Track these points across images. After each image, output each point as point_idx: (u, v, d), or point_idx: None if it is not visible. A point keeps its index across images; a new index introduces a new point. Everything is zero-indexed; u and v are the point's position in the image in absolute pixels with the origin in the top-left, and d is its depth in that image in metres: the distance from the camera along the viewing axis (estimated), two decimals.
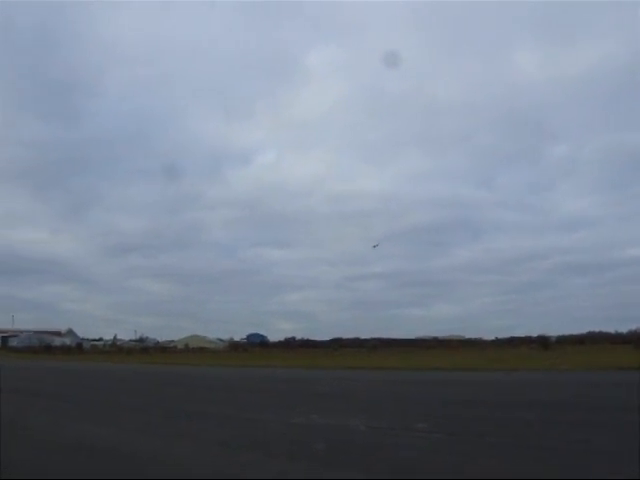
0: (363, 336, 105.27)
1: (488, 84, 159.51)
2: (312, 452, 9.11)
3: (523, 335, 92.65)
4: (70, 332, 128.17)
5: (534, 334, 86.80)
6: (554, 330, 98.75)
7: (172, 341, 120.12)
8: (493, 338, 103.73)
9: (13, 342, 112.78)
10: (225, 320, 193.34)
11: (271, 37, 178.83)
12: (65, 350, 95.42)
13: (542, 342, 71.24)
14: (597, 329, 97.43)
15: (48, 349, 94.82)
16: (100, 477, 7.53)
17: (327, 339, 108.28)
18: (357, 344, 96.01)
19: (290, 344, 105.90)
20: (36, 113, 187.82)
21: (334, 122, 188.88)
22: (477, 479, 7.39)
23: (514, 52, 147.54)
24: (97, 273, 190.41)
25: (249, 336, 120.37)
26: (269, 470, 8.02)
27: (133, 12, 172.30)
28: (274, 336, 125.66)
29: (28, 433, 11.34)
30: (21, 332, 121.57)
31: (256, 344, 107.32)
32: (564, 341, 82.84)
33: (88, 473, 7.78)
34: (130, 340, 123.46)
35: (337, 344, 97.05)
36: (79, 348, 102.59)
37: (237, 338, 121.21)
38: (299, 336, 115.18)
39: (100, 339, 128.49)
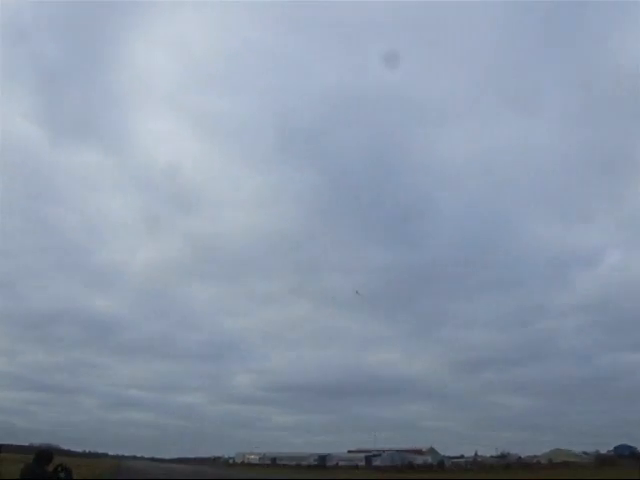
0: None
1: None
2: None
3: None
4: (431, 450, 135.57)
5: None
6: None
7: (535, 456, 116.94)
8: None
9: (376, 461, 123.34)
10: (589, 432, 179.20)
11: (600, 135, 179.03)
12: (427, 468, 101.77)
13: None
14: None
15: (410, 467, 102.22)
16: None
17: None
18: None
19: None
20: (378, 241, 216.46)
21: None
22: None
23: None
24: (453, 389, 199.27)
25: (617, 448, 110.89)
26: None
27: (453, 130, 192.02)
28: None
29: None
30: (384, 451, 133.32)
31: (625, 456, 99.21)
32: None
33: None
34: (491, 456, 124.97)
35: None
36: (440, 466, 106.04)
37: (603, 451, 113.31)
38: None
39: (461, 456, 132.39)
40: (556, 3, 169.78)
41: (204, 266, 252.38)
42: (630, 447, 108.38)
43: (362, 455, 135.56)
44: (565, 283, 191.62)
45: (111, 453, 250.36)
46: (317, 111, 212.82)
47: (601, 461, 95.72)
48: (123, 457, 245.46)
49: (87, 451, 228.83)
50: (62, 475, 8.26)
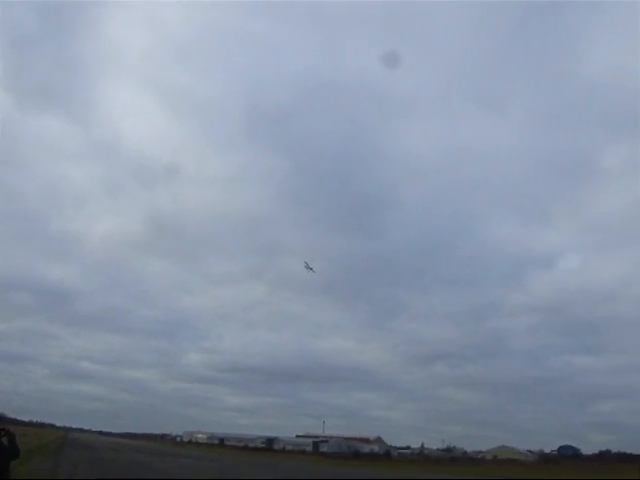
0: None
1: None
2: None
3: None
4: (378, 439, 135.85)
5: None
6: None
7: (480, 451, 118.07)
8: None
9: (324, 447, 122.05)
10: (535, 431, 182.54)
11: (564, 139, 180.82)
12: (373, 457, 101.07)
13: None
14: None
15: (357, 456, 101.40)
16: None
17: None
18: None
19: (604, 457, 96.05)
20: (340, 229, 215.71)
21: (638, 223, 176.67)
22: None
23: None
24: (403, 381, 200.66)
25: (560, 448, 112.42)
26: None
27: (422, 125, 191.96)
28: (587, 448, 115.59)
29: None
30: (331, 438, 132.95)
31: (567, 457, 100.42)
32: None
33: None
34: (437, 449, 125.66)
35: None
36: (387, 456, 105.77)
37: (547, 450, 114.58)
38: (614, 449, 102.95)
39: (408, 447, 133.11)
40: (529, 5, 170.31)
41: (163, 242, 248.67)
42: (573, 448, 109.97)
43: (310, 440, 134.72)
44: (520, 283, 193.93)
45: (58, 424, 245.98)
46: (287, 95, 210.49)
47: (544, 460, 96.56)
48: (70, 429, 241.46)
49: (34, 421, 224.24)
50: (4, 440, 7.68)
